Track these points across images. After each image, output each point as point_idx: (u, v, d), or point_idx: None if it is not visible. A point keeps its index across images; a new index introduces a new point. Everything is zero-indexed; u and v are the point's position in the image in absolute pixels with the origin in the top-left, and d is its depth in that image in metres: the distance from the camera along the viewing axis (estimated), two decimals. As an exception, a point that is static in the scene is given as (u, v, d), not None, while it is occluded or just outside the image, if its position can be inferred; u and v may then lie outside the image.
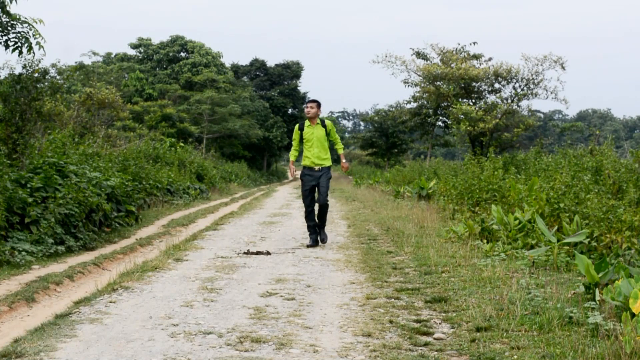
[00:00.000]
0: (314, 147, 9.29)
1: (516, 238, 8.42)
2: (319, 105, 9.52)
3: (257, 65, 53.28)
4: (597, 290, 5.08)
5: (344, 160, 9.70)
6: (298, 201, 19.47)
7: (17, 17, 9.14)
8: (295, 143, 9.53)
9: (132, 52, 47.26)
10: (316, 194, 9.53)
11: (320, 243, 9.37)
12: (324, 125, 9.38)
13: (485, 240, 8.93)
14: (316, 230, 9.35)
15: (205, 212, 15.44)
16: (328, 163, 9.37)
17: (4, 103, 9.91)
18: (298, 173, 10.01)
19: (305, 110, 9.43)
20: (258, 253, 8.64)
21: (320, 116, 9.53)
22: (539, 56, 22.63)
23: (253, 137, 42.74)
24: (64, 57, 75.03)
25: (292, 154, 9.64)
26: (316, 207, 9.62)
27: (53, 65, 20.48)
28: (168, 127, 35.13)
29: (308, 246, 9.13)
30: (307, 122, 9.41)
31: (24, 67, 10.04)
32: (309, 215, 9.35)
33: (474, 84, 24.29)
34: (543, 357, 3.97)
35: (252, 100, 46.55)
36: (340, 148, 9.68)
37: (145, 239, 10.19)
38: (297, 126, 9.48)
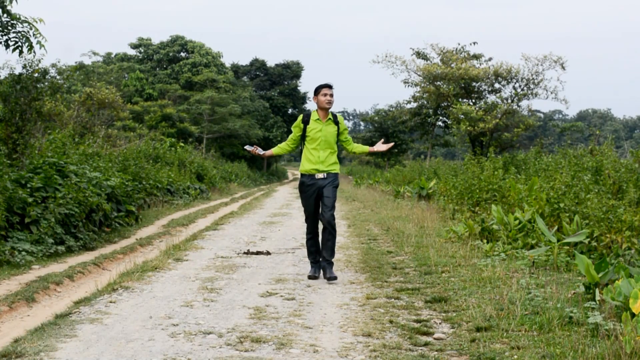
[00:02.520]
0: (319, 150, 6.78)
1: (516, 238, 8.42)
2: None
3: (257, 65, 53.30)
4: (597, 290, 5.08)
5: (381, 143, 7.12)
6: (298, 201, 19.47)
7: (18, 16, 9.13)
8: (292, 140, 7.00)
9: (132, 52, 47.31)
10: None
11: (325, 277, 6.77)
12: (336, 122, 6.87)
13: (485, 240, 8.93)
14: (317, 258, 6.98)
15: (205, 212, 15.44)
16: (336, 169, 6.91)
17: (4, 103, 9.91)
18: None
19: (324, 99, 6.79)
20: (258, 253, 8.64)
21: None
22: (539, 56, 22.69)
23: (253, 137, 42.73)
24: (64, 57, 75.04)
25: (279, 148, 7.14)
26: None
27: (53, 65, 20.52)
28: (168, 127, 35.15)
29: (310, 277, 6.83)
30: (314, 115, 6.85)
31: (24, 67, 10.05)
32: (311, 239, 7.02)
33: (474, 84, 24.30)
34: (543, 357, 3.97)
35: (252, 100, 46.57)
36: (355, 145, 7.11)
37: (145, 239, 10.19)
38: (300, 118, 6.90)
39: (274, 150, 7.09)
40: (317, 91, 6.87)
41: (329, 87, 6.84)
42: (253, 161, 47.98)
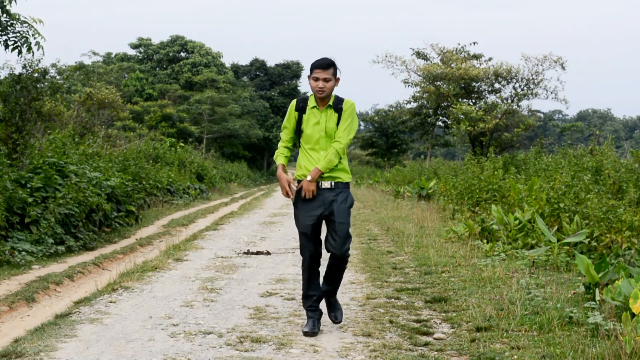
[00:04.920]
0: (319, 151, 4.73)
1: (516, 238, 8.42)
2: (336, 69, 4.77)
3: (257, 65, 53.31)
4: (597, 290, 5.08)
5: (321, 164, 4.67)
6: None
7: (17, 16, 9.14)
8: (286, 134, 4.89)
9: (132, 52, 47.35)
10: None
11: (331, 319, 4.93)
12: (338, 110, 4.75)
13: (485, 240, 8.93)
14: (318, 305, 4.87)
15: (205, 212, 15.44)
16: (345, 177, 4.79)
17: (4, 103, 9.91)
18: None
19: (315, 85, 4.70)
20: (258, 253, 8.64)
21: (336, 92, 4.84)
22: (539, 56, 22.67)
23: (253, 137, 42.79)
24: (64, 57, 75.02)
25: (280, 154, 4.86)
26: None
27: (53, 65, 20.45)
28: (168, 127, 35.17)
29: (305, 333, 4.69)
30: (311, 101, 4.80)
31: (24, 67, 10.05)
32: (309, 277, 4.85)
33: (474, 84, 24.30)
34: (543, 357, 3.97)
35: (252, 100, 46.59)
36: (337, 144, 4.70)
37: (145, 239, 10.19)
38: (293, 104, 4.86)
39: (279, 160, 4.85)
40: (310, 71, 4.80)
41: (323, 67, 4.69)
42: (253, 161, 48.05)
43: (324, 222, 4.81)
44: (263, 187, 36.48)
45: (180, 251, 8.67)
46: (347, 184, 4.81)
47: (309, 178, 4.66)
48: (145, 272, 6.94)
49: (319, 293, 4.85)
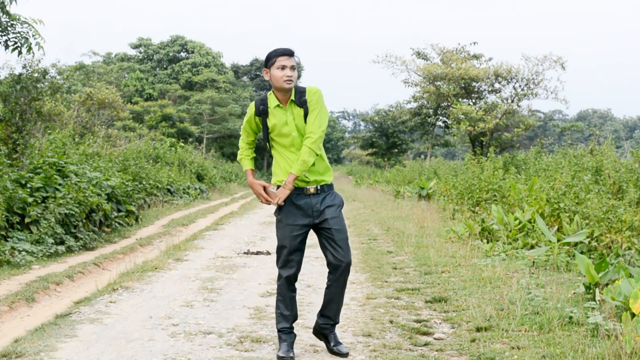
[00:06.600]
0: (296, 151, 4.23)
1: (516, 238, 8.43)
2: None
3: (258, 65, 53.30)
4: (597, 290, 5.09)
5: (292, 173, 4.18)
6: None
7: (17, 17, 9.14)
8: (248, 136, 4.49)
9: (132, 52, 47.39)
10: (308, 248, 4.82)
11: (330, 349, 4.27)
12: (302, 102, 4.21)
13: (485, 240, 8.93)
14: (293, 327, 4.29)
15: (206, 212, 15.44)
16: (329, 177, 4.33)
17: (4, 103, 9.91)
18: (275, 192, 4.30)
19: (281, 75, 4.14)
20: (258, 253, 8.65)
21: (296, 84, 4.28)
22: (539, 56, 22.76)
23: (253, 136, 42.78)
24: (64, 57, 75.00)
25: (246, 157, 4.54)
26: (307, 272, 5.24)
27: (53, 65, 20.50)
28: (168, 127, 35.21)
29: (281, 358, 4.09)
30: (272, 100, 4.25)
31: (24, 67, 10.05)
32: (285, 296, 4.25)
33: (474, 84, 24.34)
34: (543, 357, 3.97)
35: (252, 101, 46.63)
36: (309, 140, 4.16)
37: (146, 239, 10.19)
38: (252, 108, 4.31)
39: (246, 165, 4.55)
40: (269, 62, 4.21)
41: (289, 54, 4.19)
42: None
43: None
44: (263, 187, 36.47)
45: (181, 251, 8.68)
46: (331, 185, 4.31)
47: (285, 185, 4.16)
48: (146, 272, 6.95)
49: (294, 309, 4.25)
